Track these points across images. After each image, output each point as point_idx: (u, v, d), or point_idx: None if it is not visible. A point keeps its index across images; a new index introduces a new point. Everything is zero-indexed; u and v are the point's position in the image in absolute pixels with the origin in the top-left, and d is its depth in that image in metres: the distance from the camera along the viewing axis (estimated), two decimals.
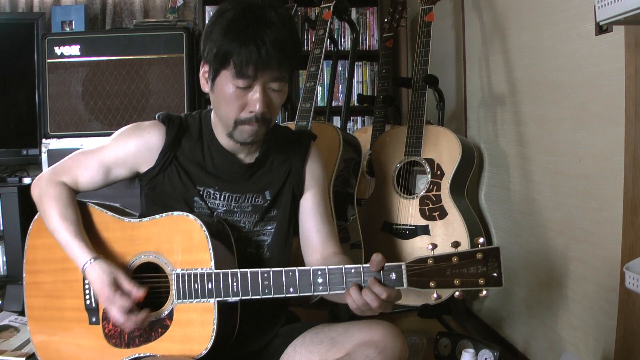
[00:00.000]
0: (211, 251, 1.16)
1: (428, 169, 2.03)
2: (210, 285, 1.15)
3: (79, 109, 2.62)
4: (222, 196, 1.30)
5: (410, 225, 2.04)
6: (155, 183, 1.29)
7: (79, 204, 1.30)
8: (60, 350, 1.29)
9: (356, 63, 3.28)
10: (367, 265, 1.08)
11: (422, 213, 2.02)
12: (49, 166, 1.34)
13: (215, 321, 1.15)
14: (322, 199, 1.38)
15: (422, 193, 2.03)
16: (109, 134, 1.33)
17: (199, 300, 1.17)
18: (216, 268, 1.16)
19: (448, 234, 1.96)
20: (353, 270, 1.09)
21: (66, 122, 2.63)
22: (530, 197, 1.89)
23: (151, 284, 1.25)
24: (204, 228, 1.17)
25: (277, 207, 1.34)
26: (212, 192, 1.30)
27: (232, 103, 1.18)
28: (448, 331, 2.08)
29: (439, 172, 2.02)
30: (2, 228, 2.68)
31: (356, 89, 3.37)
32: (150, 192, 1.30)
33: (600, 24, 1.23)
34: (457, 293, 1.04)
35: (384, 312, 1.09)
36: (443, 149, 2.03)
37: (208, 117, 1.33)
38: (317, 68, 2.13)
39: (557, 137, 1.71)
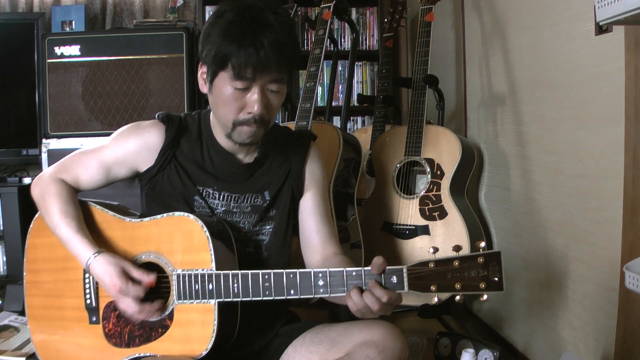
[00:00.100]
0: (212, 252, 1.16)
1: (428, 169, 2.03)
2: (210, 286, 1.15)
3: (79, 109, 2.62)
4: (221, 196, 1.30)
5: (410, 225, 2.04)
6: (154, 182, 1.29)
7: (80, 204, 1.30)
8: (60, 349, 1.29)
9: (356, 63, 3.28)
10: (368, 268, 1.08)
11: (422, 213, 2.02)
12: (49, 166, 1.34)
13: (216, 322, 1.15)
14: (322, 199, 1.38)
15: (422, 193, 2.03)
16: (109, 134, 1.33)
17: (199, 300, 1.17)
18: (217, 269, 1.16)
19: (448, 234, 1.96)
20: (354, 273, 1.09)
21: (66, 122, 2.63)
22: (530, 197, 1.89)
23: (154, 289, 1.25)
24: (204, 228, 1.17)
25: (276, 207, 1.34)
26: (211, 192, 1.30)
27: (231, 104, 1.18)
28: (448, 331, 2.08)
29: (439, 172, 2.02)
30: (2, 228, 2.68)
31: (356, 89, 3.37)
32: (151, 192, 1.31)
33: (600, 24, 1.23)
34: (457, 297, 1.04)
35: (385, 314, 1.09)
36: (443, 149, 2.03)
37: (207, 118, 1.33)
38: (317, 68, 2.13)
39: (557, 137, 1.71)
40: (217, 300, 1.15)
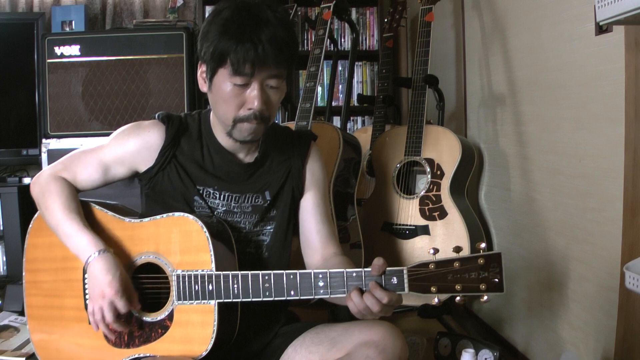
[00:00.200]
0: (212, 252, 1.16)
1: (428, 169, 2.03)
2: (210, 287, 1.15)
3: (79, 109, 2.62)
4: (222, 196, 1.30)
5: (410, 225, 2.04)
6: (154, 182, 1.29)
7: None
8: (60, 349, 1.29)
9: (356, 63, 3.28)
10: (369, 269, 1.08)
11: (422, 213, 2.02)
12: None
13: (216, 322, 1.15)
14: (323, 199, 1.38)
15: (422, 193, 2.03)
16: (109, 134, 1.33)
17: (199, 301, 1.16)
18: (217, 269, 1.16)
19: (448, 234, 1.96)
20: (354, 274, 1.09)
21: (66, 122, 2.63)
22: (530, 197, 1.89)
23: (151, 284, 1.25)
24: (204, 229, 1.17)
25: (276, 207, 1.34)
26: (211, 191, 1.30)
27: (231, 101, 1.18)
28: (448, 331, 2.08)
29: (439, 172, 2.02)
30: (2, 228, 2.68)
31: (356, 89, 3.37)
32: (151, 192, 1.30)
33: (600, 24, 1.23)
34: (458, 298, 1.04)
35: (385, 315, 1.09)
36: (443, 149, 2.03)
37: (207, 117, 1.33)
38: (317, 68, 2.13)
39: (557, 137, 1.71)
40: (217, 300, 1.15)
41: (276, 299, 1.13)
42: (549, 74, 1.74)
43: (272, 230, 1.33)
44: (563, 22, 1.64)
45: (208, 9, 3.21)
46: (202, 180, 1.29)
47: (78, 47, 2.61)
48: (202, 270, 1.16)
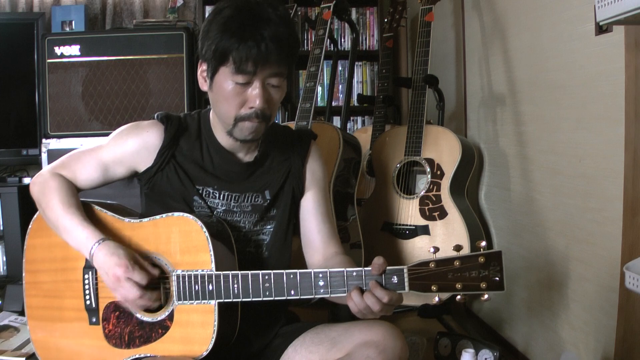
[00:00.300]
0: (212, 252, 1.16)
1: (428, 169, 2.03)
2: (210, 287, 1.15)
3: (79, 109, 2.62)
4: (222, 195, 1.30)
5: (410, 225, 2.04)
6: (153, 182, 1.29)
7: None
8: (60, 349, 1.29)
9: (356, 63, 3.28)
10: (369, 268, 1.08)
11: (422, 213, 2.02)
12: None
13: (216, 322, 1.15)
14: (323, 198, 1.38)
15: (422, 193, 2.03)
16: (108, 134, 1.33)
17: (199, 301, 1.16)
18: (217, 269, 1.16)
19: (448, 234, 1.96)
20: (355, 274, 1.09)
21: (66, 122, 2.63)
22: (530, 197, 1.89)
23: (151, 285, 1.25)
24: (204, 229, 1.17)
25: (276, 206, 1.34)
26: (211, 191, 1.30)
27: (232, 100, 1.18)
28: (448, 331, 2.08)
29: (439, 172, 2.02)
30: (2, 228, 2.68)
31: (356, 89, 3.37)
32: (150, 192, 1.30)
33: (600, 24, 1.23)
34: (458, 297, 1.04)
35: (385, 315, 1.09)
36: (443, 149, 2.03)
37: (207, 117, 1.33)
38: (317, 68, 2.13)
39: (557, 137, 1.71)
40: (217, 300, 1.15)
41: (276, 298, 1.13)
42: (549, 74, 1.74)
43: (272, 229, 1.33)
44: (563, 22, 1.64)
45: (208, 9, 3.21)
46: (202, 180, 1.29)
47: (78, 47, 2.61)
48: (202, 270, 1.16)
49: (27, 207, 2.64)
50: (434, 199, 2.01)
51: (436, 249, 1.05)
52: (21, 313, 2.25)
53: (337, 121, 3.12)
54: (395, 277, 1.06)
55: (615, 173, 1.41)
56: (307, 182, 1.37)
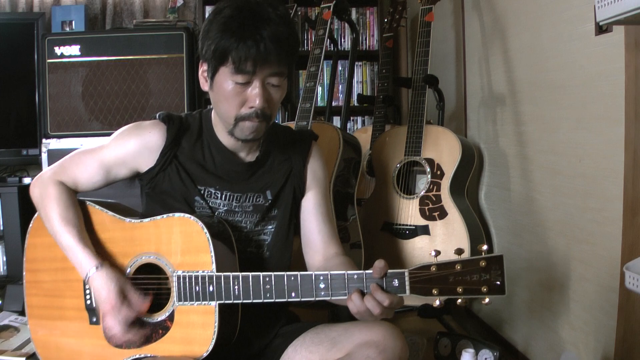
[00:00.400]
0: (212, 253, 1.16)
1: (428, 169, 2.03)
2: (211, 288, 1.15)
3: (79, 109, 2.62)
4: (223, 196, 1.30)
5: (410, 225, 2.04)
6: (155, 183, 1.29)
7: (79, 203, 1.29)
8: (60, 349, 1.29)
9: (356, 63, 3.28)
10: (370, 271, 1.07)
11: (422, 213, 2.02)
12: (49, 166, 1.34)
13: (217, 323, 1.15)
14: (324, 199, 1.38)
15: (422, 193, 2.03)
16: (109, 134, 1.33)
17: (200, 302, 1.16)
18: (217, 270, 1.16)
19: (448, 234, 1.96)
20: (355, 277, 1.09)
21: (66, 122, 2.63)
22: (530, 197, 1.89)
23: (152, 285, 1.25)
24: (205, 230, 1.17)
25: (278, 206, 1.34)
26: (213, 191, 1.30)
27: (232, 99, 1.18)
28: (448, 331, 2.08)
29: (439, 172, 2.02)
30: (2, 228, 2.68)
31: (356, 89, 3.37)
32: (151, 192, 1.30)
33: (600, 24, 1.23)
34: (459, 300, 1.04)
35: (386, 317, 1.09)
36: (443, 149, 2.03)
37: (208, 117, 1.33)
38: (317, 68, 2.13)
39: (557, 137, 1.71)
40: (218, 302, 1.15)
41: (277, 300, 1.13)
42: (549, 74, 1.74)
43: (273, 229, 1.33)
44: (563, 22, 1.64)
45: (208, 9, 3.21)
46: (203, 180, 1.29)
47: (78, 47, 2.61)
48: (203, 271, 1.16)
49: (27, 207, 2.62)
50: (434, 199, 2.01)
51: (437, 253, 1.05)
52: (21, 313, 2.25)
53: (337, 121, 3.12)
54: (396, 280, 1.06)
55: (615, 173, 1.41)
56: (308, 182, 1.37)
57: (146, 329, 1.20)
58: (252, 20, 1.13)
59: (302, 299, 1.11)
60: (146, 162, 1.28)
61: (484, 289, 1.01)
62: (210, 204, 1.29)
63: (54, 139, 2.61)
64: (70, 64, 2.61)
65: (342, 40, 3.39)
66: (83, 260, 1.19)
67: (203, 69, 1.23)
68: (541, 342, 1.85)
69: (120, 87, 2.61)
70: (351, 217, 2.01)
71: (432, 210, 2.00)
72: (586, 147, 1.56)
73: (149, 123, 1.30)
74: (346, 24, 3.12)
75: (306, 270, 1.34)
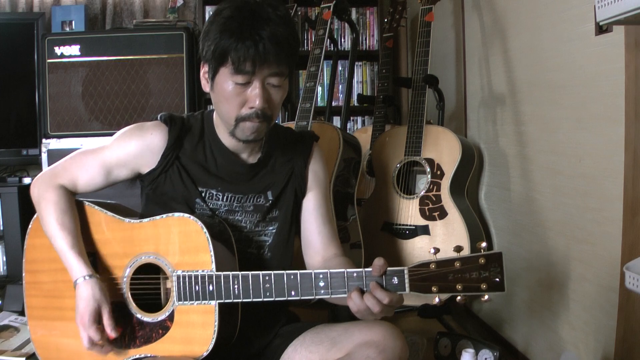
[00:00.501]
0: (212, 253, 1.16)
1: (428, 169, 2.03)
2: (211, 288, 1.15)
3: (79, 109, 2.62)
4: (225, 197, 1.30)
5: (410, 225, 2.04)
6: (156, 184, 1.29)
7: (78, 204, 1.30)
8: (60, 349, 1.29)
9: (356, 63, 3.28)
10: (369, 269, 1.07)
11: (422, 213, 2.02)
12: (49, 166, 1.34)
13: (217, 323, 1.15)
14: (324, 200, 1.38)
15: (422, 193, 2.03)
16: (109, 134, 1.33)
17: (199, 302, 1.16)
18: (217, 270, 1.16)
19: (448, 234, 1.96)
20: (355, 275, 1.09)
21: (66, 122, 2.63)
22: (530, 197, 1.89)
23: (151, 285, 1.25)
24: (204, 230, 1.17)
25: (279, 207, 1.34)
26: (214, 193, 1.30)
27: (232, 100, 1.18)
28: (448, 331, 2.08)
29: (439, 172, 2.02)
30: (2, 228, 2.68)
31: (356, 89, 3.37)
32: (152, 193, 1.30)
33: (600, 24, 1.23)
34: (458, 297, 1.04)
35: (386, 316, 1.09)
36: (443, 149, 2.03)
37: (210, 117, 1.33)
38: (317, 68, 2.13)
39: (557, 137, 1.71)
40: (218, 301, 1.15)
41: (277, 299, 1.12)
42: (549, 74, 1.74)
43: (274, 230, 1.33)
44: (563, 22, 1.64)
45: (208, 9, 3.22)
46: (205, 182, 1.29)
47: (78, 47, 2.61)
48: (203, 271, 1.16)
49: (27, 207, 2.62)
50: (434, 199, 2.01)
51: (436, 250, 1.05)
52: (21, 313, 2.25)
53: (337, 121, 3.12)
54: (395, 278, 1.06)
55: (615, 173, 1.41)
56: (309, 183, 1.37)
57: (145, 329, 1.20)
58: (251, 21, 1.13)
59: (302, 298, 1.11)
60: (147, 163, 1.28)
61: (484, 286, 1.01)
62: (210, 205, 1.29)
63: (54, 139, 2.61)
64: (70, 64, 2.61)
65: (342, 40, 3.39)
66: (74, 266, 1.20)
67: (204, 70, 1.23)
68: (541, 342, 1.85)
69: (120, 87, 2.61)
70: (351, 217, 2.01)
71: (432, 210, 2.00)
72: (586, 147, 1.56)
73: (151, 124, 1.30)
74: (346, 24, 3.12)
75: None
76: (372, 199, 2.21)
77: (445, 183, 2.00)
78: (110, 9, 3.18)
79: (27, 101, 2.82)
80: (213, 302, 1.16)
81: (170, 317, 1.19)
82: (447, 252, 1.07)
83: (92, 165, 1.29)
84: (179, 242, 1.20)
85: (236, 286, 1.14)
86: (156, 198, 1.30)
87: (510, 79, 2.02)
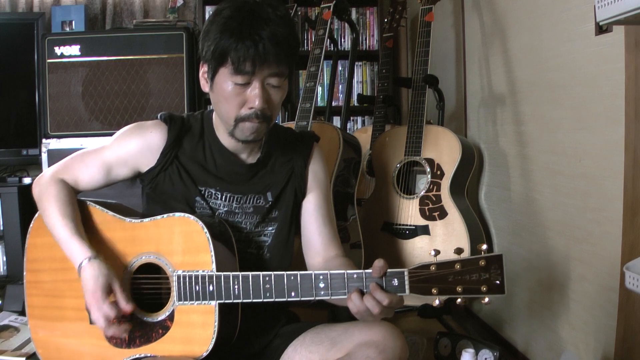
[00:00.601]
0: (212, 253, 1.16)
1: (428, 169, 2.03)
2: (211, 288, 1.15)
3: (79, 109, 2.62)
4: (224, 197, 1.30)
5: (410, 225, 2.04)
6: (156, 183, 1.29)
7: (80, 203, 1.30)
8: (60, 349, 1.29)
9: (356, 63, 3.28)
10: (369, 270, 1.07)
11: (422, 213, 2.02)
12: (49, 166, 1.34)
13: (217, 323, 1.15)
14: (325, 200, 1.38)
15: (422, 193, 2.03)
16: (109, 134, 1.33)
17: (200, 302, 1.16)
18: (217, 270, 1.16)
19: (448, 234, 1.96)
20: (355, 276, 1.09)
21: (66, 122, 2.63)
22: (530, 197, 1.89)
23: (152, 285, 1.25)
24: (205, 230, 1.17)
25: (278, 208, 1.34)
26: (213, 192, 1.30)
27: (232, 100, 1.18)
28: (448, 331, 2.08)
29: (439, 172, 2.02)
30: (2, 228, 2.68)
31: (356, 89, 3.37)
32: (152, 192, 1.30)
33: (600, 24, 1.23)
34: (459, 300, 1.04)
35: (386, 317, 1.09)
36: (443, 149, 2.03)
37: (210, 117, 1.33)
38: (317, 68, 2.13)
39: (557, 137, 1.71)
40: (218, 301, 1.15)
41: (277, 300, 1.13)
42: (549, 74, 1.74)
43: (273, 231, 1.33)
44: (563, 22, 1.64)
45: (208, 9, 3.22)
46: (204, 181, 1.29)
47: (78, 47, 2.61)
48: (203, 271, 1.16)
49: (27, 207, 2.64)
50: (434, 199, 2.01)
51: (437, 252, 1.05)
52: (21, 313, 2.25)
53: (337, 121, 3.12)
54: (395, 279, 1.06)
55: (615, 173, 1.41)
56: (309, 183, 1.37)
57: (145, 328, 1.21)
58: (251, 21, 1.13)
59: (302, 299, 1.11)
60: (147, 162, 1.28)
61: (484, 289, 1.01)
62: (210, 204, 1.29)
63: (54, 139, 2.61)
64: (70, 64, 2.61)
65: (342, 40, 3.39)
66: (76, 250, 1.18)
67: (203, 70, 1.23)
68: (541, 342, 1.85)
69: (120, 87, 2.61)
70: (351, 217, 2.01)
71: (432, 210, 2.00)
72: (586, 147, 1.56)
73: (151, 123, 1.31)
74: (346, 24, 3.12)
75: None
76: (372, 199, 2.21)
77: (445, 183, 2.00)
78: (110, 9, 3.18)
79: (27, 101, 2.82)
80: (213, 302, 1.16)
81: (170, 317, 1.19)
82: (448, 253, 1.07)
83: (93, 163, 1.29)
84: (180, 242, 1.20)
85: (236, 286, 1.14)
86: (156, 197, 1.30)
87: (510, 79, 2.02)
